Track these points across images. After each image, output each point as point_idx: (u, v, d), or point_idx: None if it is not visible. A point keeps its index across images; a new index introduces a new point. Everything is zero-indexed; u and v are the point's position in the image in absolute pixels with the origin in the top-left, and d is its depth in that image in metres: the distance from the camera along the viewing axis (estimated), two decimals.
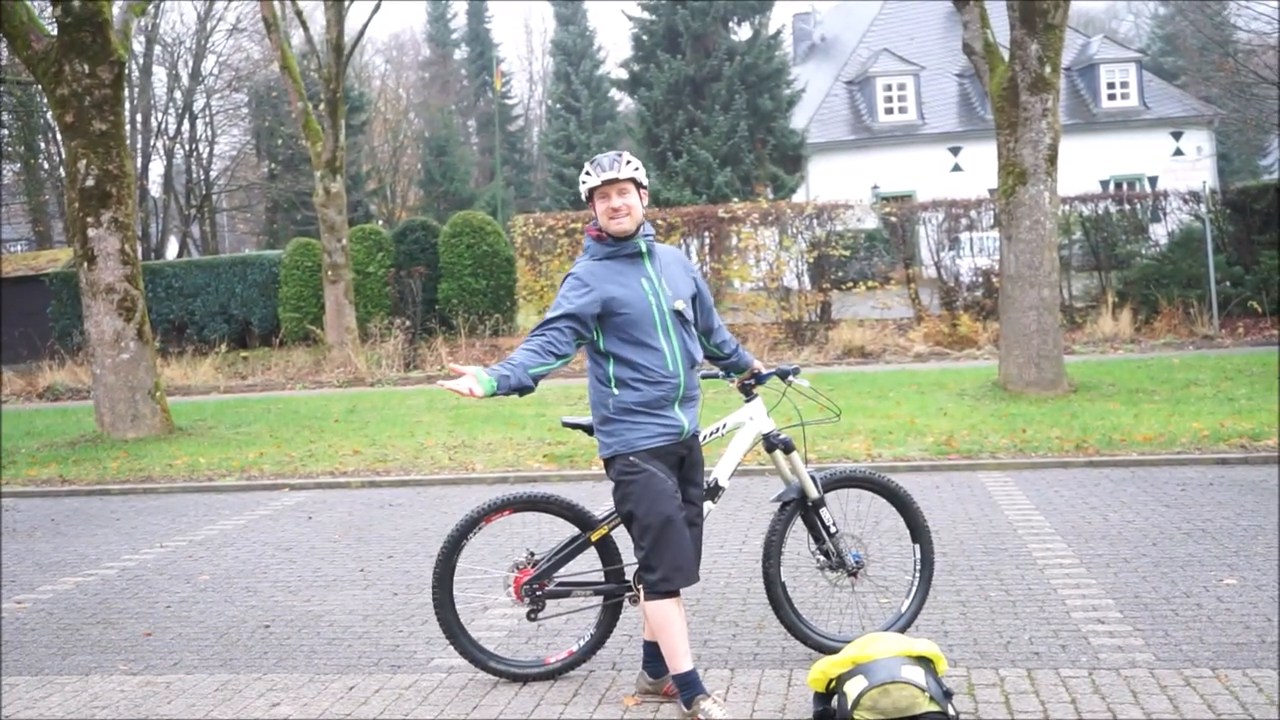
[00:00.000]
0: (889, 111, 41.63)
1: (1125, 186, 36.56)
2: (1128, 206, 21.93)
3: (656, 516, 4.72)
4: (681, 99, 36.75)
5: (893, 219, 22.30)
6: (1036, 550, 7.25)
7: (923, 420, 12.31)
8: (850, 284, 21.98)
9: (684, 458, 4.94)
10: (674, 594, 4.78)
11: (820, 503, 5.47)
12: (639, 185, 4.85)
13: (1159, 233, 21.82)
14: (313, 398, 18.93)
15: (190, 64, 43.57)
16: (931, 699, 4.40)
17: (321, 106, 23.64)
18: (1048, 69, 13.38)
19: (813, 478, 5.48)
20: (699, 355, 5.01)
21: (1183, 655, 5.25)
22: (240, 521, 9.68)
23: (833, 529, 5.49)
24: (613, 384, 4.82)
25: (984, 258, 21.45)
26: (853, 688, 4.45)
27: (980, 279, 21.35)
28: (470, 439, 12.84)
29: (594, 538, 5.30)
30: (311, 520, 9.53)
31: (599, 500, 7.92)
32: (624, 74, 40.54)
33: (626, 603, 5.35)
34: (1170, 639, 5.47)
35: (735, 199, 27.89)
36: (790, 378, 5.59)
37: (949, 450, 10.66)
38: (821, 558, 5.52)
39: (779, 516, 5.48)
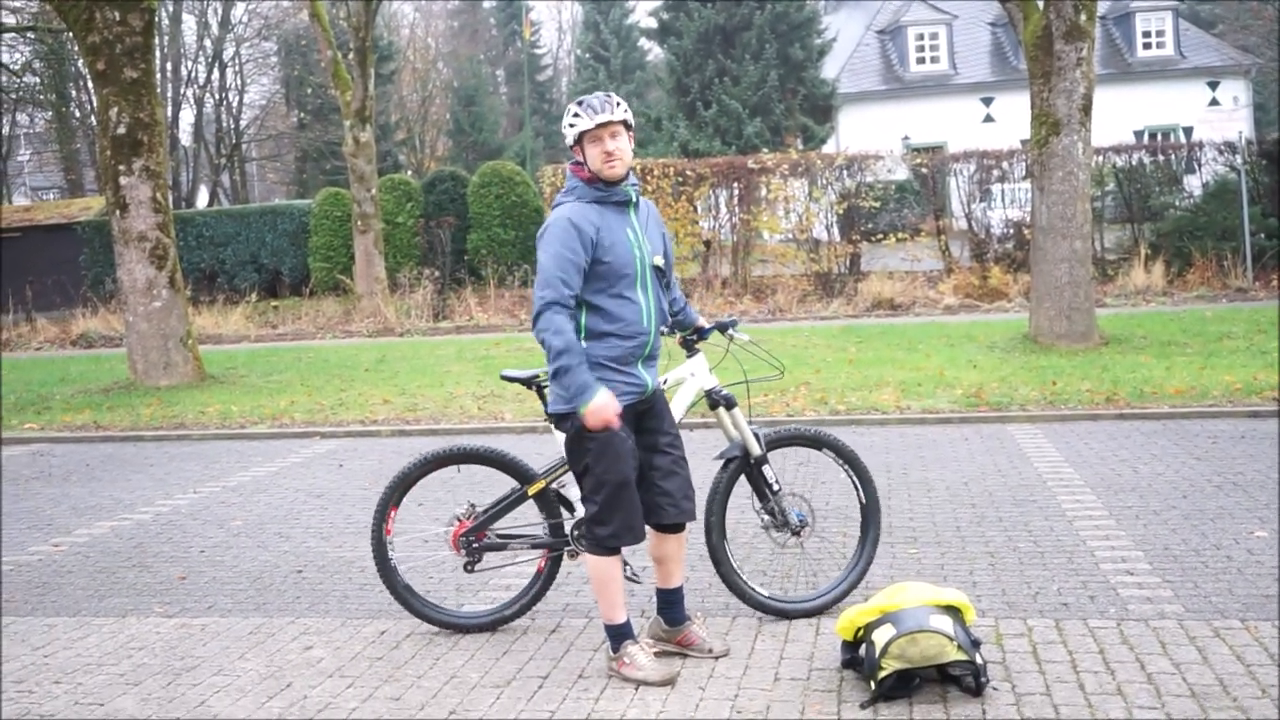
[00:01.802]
0: (920, 61, 41.23)
1: (1160, 137, 36.12)
2: (1162, 158, 21.67)
3: (615, 475, 4.66)
4: (711, 48, 36.46)
5: (923, 170, 22.13)
6: (1066, 502, 7.24)
7: (952, 372, 12.28)
8: (880, 236, 21.85)
9: (644, 413, 4.87)
10: (617, 551, 4.79)
11: (763, 460, 5.33)
12: (628, 127, 4.70)
13: (1193, 184, 21.56)
14: (342, 347, 19.03)
15: (220, 12, 43.53)
16: (959, 648, 4.42)
17: (351, 55, 23.56)
18: (1083, 17, 13.21)
19: (756, 435, 5.33)
20: (667, 316, 4.99)
21: (1212, 607, 5.25)
22: (272, 468, 9.77)
23: (775, 487, 5.35)
24: (583, 334, 4.68)
25: (1015, 209, 21.26)
26: (880, 636, 4.47)
27: (1011, 231, 21.19)
28: (499, 389, 12.89)
29: (530, 491, 5.29)
30: (342, 468, 9.61)
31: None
32: (653, 23, 40.21)
33: (565, 557, 5.36)
34: (1200, 591, 5.47)
35: (765, 150, 27.70)
36: (730, 331, 5.49)
37: (978, 403, 10.63)
38: (766, 517, 5.40)
39: (720, 474, 5.36)
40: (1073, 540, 6.42)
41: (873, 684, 4.44)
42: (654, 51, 51.09)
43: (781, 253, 21.92)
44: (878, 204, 21.75)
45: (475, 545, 5.37)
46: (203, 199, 46.86)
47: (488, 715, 4.54)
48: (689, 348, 5.34)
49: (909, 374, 12.34)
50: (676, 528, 4.95)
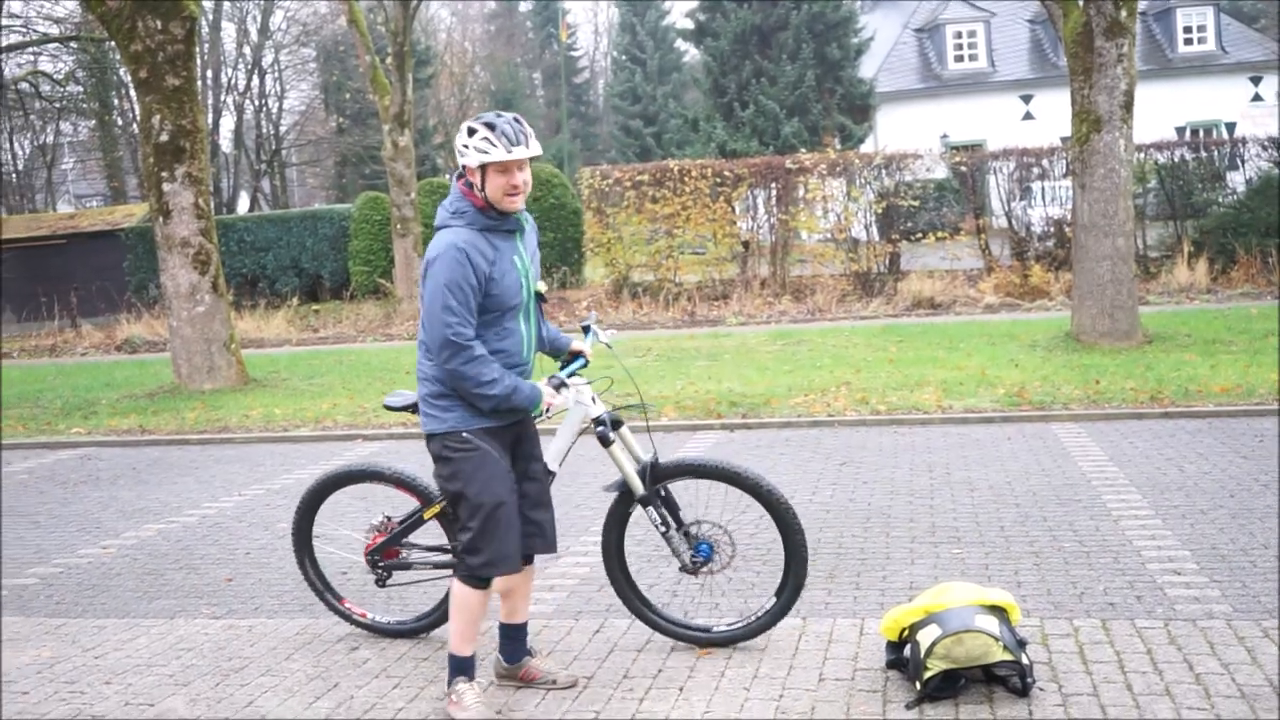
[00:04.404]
0: (959, 59, 41.03)
1: (1202, 133, 35.75)
2: (1204, 154, 21.44)
3: (490, 497, 4.42)
4: (748, 49, 36.46)
5: (963, 168, 22.01)
6: (1111, 501, 7.19)
7: (994, 371, 12.21)
8: (919, 235, 21.74)
9: (519, 435, 4.69)
10: (487, 584, 4.56)
11: (648, 499, 4.90)
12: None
13: (1237, 180, 21.33)
14: (383, 350, 19.14)
15: (259, 19, 43.91)
16: (1005, 648, 4.40)
17: (389, 60, 23.71)
18: (1123, 13, 13.10)
19: (650, 467, 4.91)
20: (544, 338, 4.80)
21: (1261, 607, 5.20)
22: (316, 471, 9.83)
23: (662, 527, 4.94)
24: None
25: (1056, 207, 21.12)
26: (926, 636, 4.46)
27: (1052, 229, 21.04)
28: None
29: (427, 515, 5.20)
30: None
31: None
32: (690, 24, 40.27)
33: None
34: (1248, 590, 5.42)
35: (802, 149, 27.67)
36: (597, 335, 5.11)
37: (1021, 401, 10.57)
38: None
39: (612, 507, 5.09)
40: (1118, 540, 6.37)
41: (918, 684, 4.43)
42: (690, 53, 51.15)
43: (820, 252, 21.86)
44: (917, 203, 21.65)
45: (381, 564, 5.36)
46: (243, 204, 47.21)
47: (533, 715, 4.56)
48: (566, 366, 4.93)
49: (950, 373, 12.28)
50: (529, 558, 4.74)
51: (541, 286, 4.60)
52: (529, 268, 4.52)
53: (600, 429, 4.82)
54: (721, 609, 5.54)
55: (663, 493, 4.96)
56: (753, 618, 5.07)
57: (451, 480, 4.50)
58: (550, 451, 4.95)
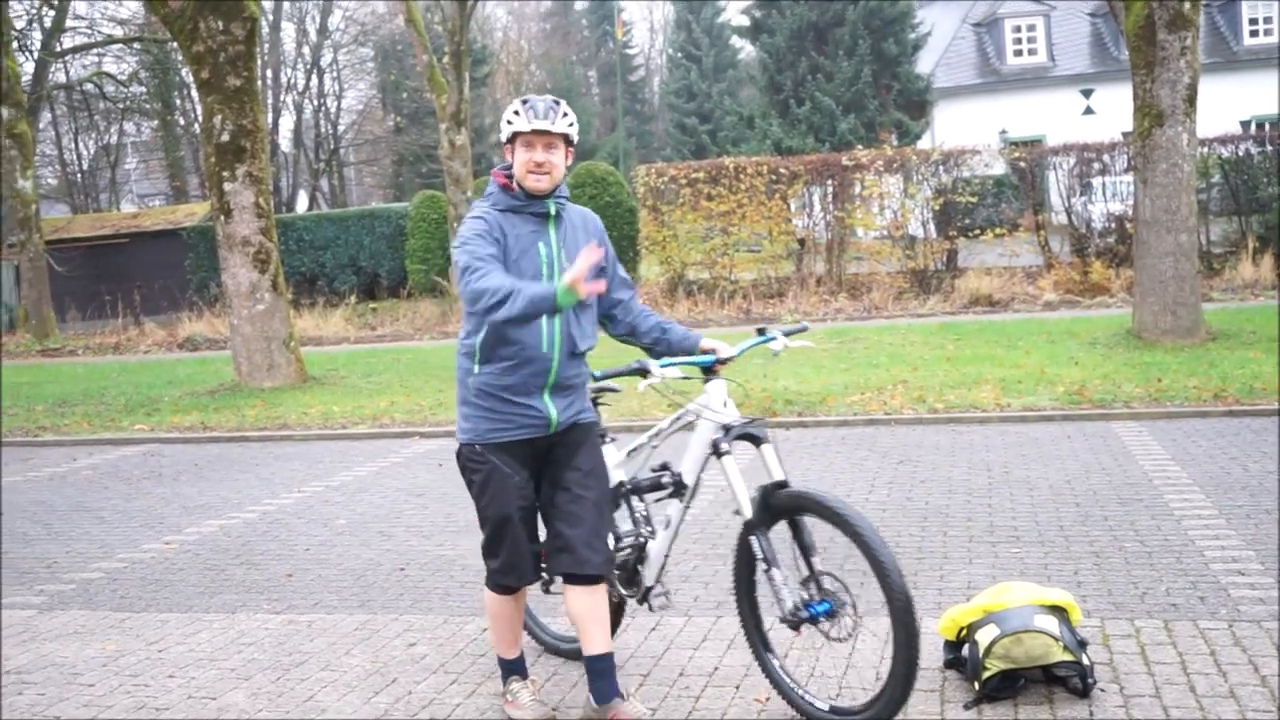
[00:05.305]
0: (1018, 54, 40.60)
1: (1268, 127, 35.13)
2: (1270, 148, 21.08)
3: (494, 512, 4.36)
4: (804, 45, 36.32)
5: (1021, 164, 21.80)
6: (1173, 501, 7.09)
7: (1053, 369, 12.08)
8: (977, 231, 21.55)
9: (552, 447, 4.39)
10: (507, 591, 4.50)
11: (755, 526, 4.32)
12: (569, 143, 4.27)
13: None
14: (440, 348, 19.25)
15: (318, 19, 44.37)
16: (1065, 648, 4.36)
17: (446, 59, 23.85)
18: (1187, 5, 12.91)
19: (766, 493, 4.31)
20: (584, 344, 4.39)
21: None
22: (373, 468, 9.92)
23: (764, 563, 4.28)
24: (477, 358, 4.27)
25: (1117, 203, 20.84)
26: (984, 636, 4.43)
27: (1113, 225, 20.77)
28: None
29: None
30: (442, 467, 9.72)
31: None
32: (745, 21, 40.18)
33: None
34: None
35: (859, 146, 27.50)
36: (774, 339, 4.60)
37: (1081, 400, 10.45)
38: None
39: (741, 534, 4.43)
40: (1181, 540, 6.29)
41: (977, 684, 4.39)
42: (746, 49, 51.00)
43: (877, 250, 21.74)
44: (975, 199, 21.46)
45: None
46: (302, 203, 47.74)
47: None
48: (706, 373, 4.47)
49: (1009, 371, 12.17)
50: (581, 579, 4.33)
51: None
52: (558, 258, 4.27)
53: (716, 437, 4.40)
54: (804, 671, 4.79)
55: (795, 525, 4.27)
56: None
57: (469, 488, 4.49)
58: (685, 461, 4.58)
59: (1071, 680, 4.37)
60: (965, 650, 4.55)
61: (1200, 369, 11.46)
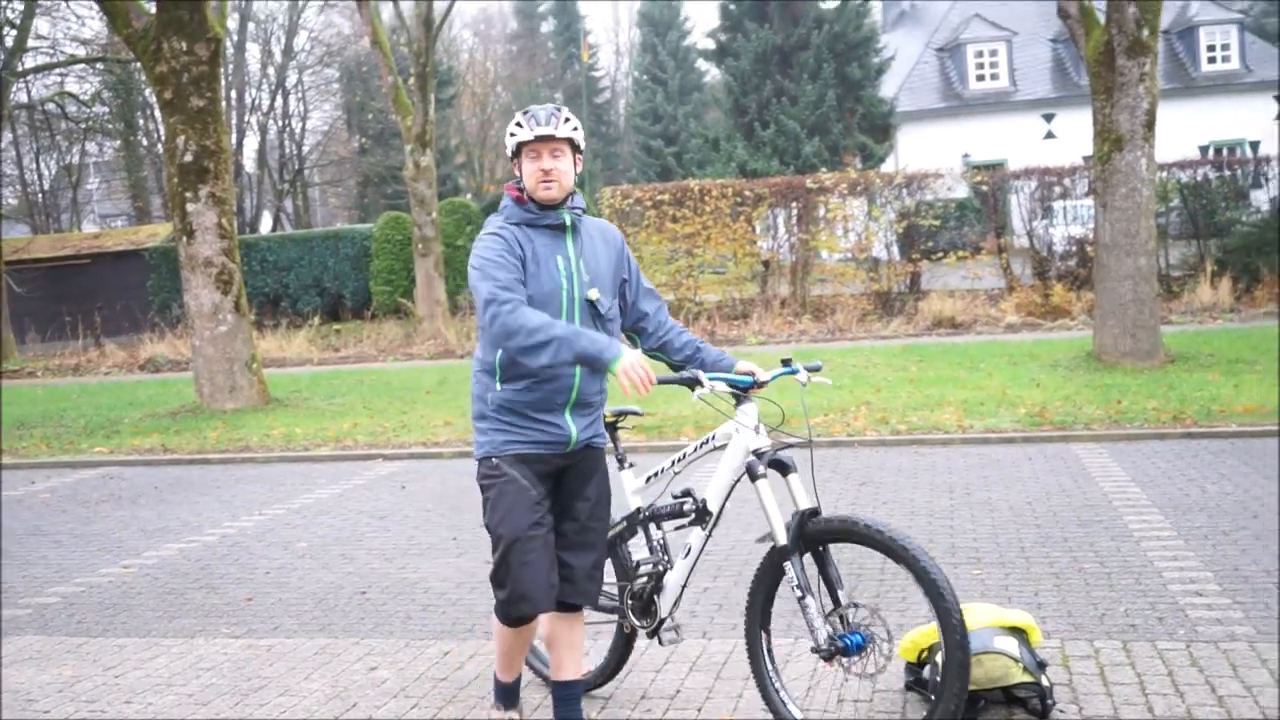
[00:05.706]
0: (980, 78, 40.98)
1: (1225, 152, 35.61)
2: (1228, 172, 21.35)
3: (507, 530, 4.10)
4: (769, 68, 36.53)
5: (984, 188, 21.98)
6: (1132, 522, 7.15)
7: (1015, 391, 12.17)
8: (940, 254, 21.70)
9: (566, 469, 4.28)
10: (514, 623, 4.25)
11: (787, 552, 4.19)
12: (575, 149, 4.18)
13: (1260, 199, 21.24)
14: (404, 370, 19.19)
15: (283, 40, 44.27)
16: (1025, 669, 4.38)
17: (411, 81, 23.85)
18: (1145, 32, 13.08)
19: (803, 518, 4.20)
20: (669, 353, 4.44)
21: None
22: (336, 491, 9.87)
23: (799, 591, 4.13)
24: (498, 374, 4.15)
25: (1078, 226, 21.05)
26: None
27: (1074, 248, 20.96)
28: None
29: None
30: (405, 490, 9.69)
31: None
32: (711, 44, 40.37)
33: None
34: (1271, 612, 5.37)
35: (823, 169, 27.67)
36: (798, 371, 4.47)
37: (1042, 421, 10.53)
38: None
39: (764, 560, 4.35)
40: (1140, 561, 6.33)
41: None
42: (711, 73, 51.33)
43: (841, 272, 21.85)
44: (938, 222, 21.62)
45: None
46: (266, 224, 47.53)
47: None
48: (738, 396, 4.37)
49: (971, 393, 12.24)
50: (567, 607, 4.33)
51: (594, 294, 4.18)
52: (577, 270, 4.16)
53: (751, 459, 4.26)
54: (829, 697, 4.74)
55: (820, 552, 4.18)
56: None
57: (484, 506, 4.25)
58: (710, 488, 4.44)
59: (1031, 701, 4.39)
60: (926, 672, 4.56)
61: (1159, 391, 11.57)
